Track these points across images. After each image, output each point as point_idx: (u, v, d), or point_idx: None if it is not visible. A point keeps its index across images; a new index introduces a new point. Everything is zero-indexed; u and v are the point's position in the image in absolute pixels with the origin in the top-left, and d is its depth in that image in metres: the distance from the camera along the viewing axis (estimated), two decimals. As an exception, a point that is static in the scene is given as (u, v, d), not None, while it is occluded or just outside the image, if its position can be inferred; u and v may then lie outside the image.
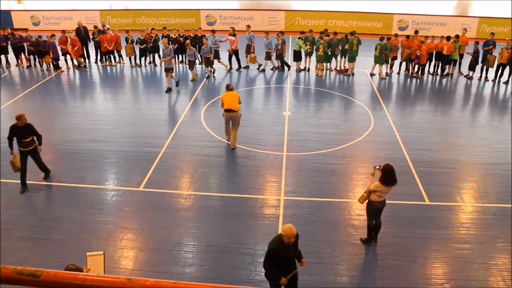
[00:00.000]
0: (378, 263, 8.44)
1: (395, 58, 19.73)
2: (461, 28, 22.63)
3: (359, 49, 19.35)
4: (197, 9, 28.04)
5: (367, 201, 8.53)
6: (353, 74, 19.59)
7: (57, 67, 20.03)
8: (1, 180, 11.25)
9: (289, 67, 20.39)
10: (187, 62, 19.45)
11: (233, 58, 20.28)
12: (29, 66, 20.59)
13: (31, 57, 20.67)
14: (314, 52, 19.48)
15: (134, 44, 20.50)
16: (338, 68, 20.22)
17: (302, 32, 20.07)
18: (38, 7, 28.95)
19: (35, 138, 10.81)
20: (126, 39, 20.42)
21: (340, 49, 19.59)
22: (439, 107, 16.39)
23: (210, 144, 13.06)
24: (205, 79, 18.94)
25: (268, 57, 19.92)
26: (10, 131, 10.53)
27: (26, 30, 21.21)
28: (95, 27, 21.50)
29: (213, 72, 19.60)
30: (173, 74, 17.75)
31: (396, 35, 19.96)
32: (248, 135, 13.57)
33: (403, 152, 12.63)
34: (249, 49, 20.07)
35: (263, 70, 20.31)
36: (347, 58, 19.67)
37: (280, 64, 20.37)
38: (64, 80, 19.54)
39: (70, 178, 11.41)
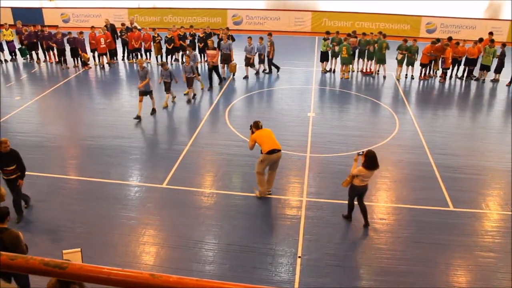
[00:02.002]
0: (400, 268, 8.34)
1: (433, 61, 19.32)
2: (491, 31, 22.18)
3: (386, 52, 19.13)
4: (223, 9, 28.15)
5: (350, 185, 9.16)
6: (384, 77, 19.37)
7: (84, 63, 20.35)
8: (29, 173, 11.45)
9: (278, 68, 19.95)
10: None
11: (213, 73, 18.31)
12: (58, 63, 20.94)
13: (52, 53, 21.12)
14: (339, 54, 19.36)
15: (162, 43, 20.66)
16: (364, 70, 20.03)
17: (327, 33, 19.94)
18: (68, 5, 29.44)
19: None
20: (154, 38, 20.60)
21: (371, 50, 19.37)
22: (465, 112, 16.13)
23: (234, 143, 13.10)
24: (231, 77, 18.89)
25: (261, 60, 19.55)
26: None
27: (56, 27, 21.60)
28: (123, 24, 21.76)
29: (193, 96, 16.99)
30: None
31: (436, 41, 19.35)
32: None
33: (427, 156, 12.46)
34: (248, 61, 19.12)
35: (258, 73, 19.76)
36: (373, 60, 19.47)
37: (269, 66, 19.89)
38: (91, 76, 19.84)
39: (95, 173, 11.58)
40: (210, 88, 17.77)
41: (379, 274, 8.22)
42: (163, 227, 9.55)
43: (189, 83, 16.46)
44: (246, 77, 19.18)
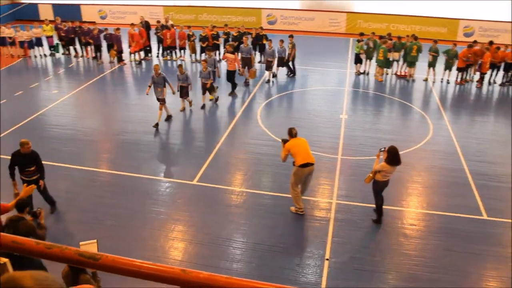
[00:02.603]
0: (429, 275, 8.18)
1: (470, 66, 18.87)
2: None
3: (419, 55, 18.76)
4: (258, 8, 28.17)
5: (372, 181, 9.28)
6: (413, 80, 19.06)
7: (120, 59, 20.69)
8: (63, 165, 11.73)
9: (294, 73, 19.38)
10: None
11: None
12: (94, 58, 21.35)
13: (89, 48, 21.52)
14: (374, 56, 19.13)
15: (197, 41, 20.82)
16: (399, 73, 19.72)
17: (361, 34, 19.71)
18: (105, 2, 29.97)
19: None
20: (189, 37, 20.78)
21: (402, 53, 19.11)
22: (503, 118, 15.70)
23: (265, 143, 13.10)
24: (270, 78, 18.75)
25: (281, 63, 18.88)
26: (12, 159, 9.10)
27: (93, 23, 22.04)
28: (158, 21, 22.02)
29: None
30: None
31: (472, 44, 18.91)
32: (303, 136, 13.46)
33: (461, 163, 12.19)
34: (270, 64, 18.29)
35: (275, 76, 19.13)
36: (407, 63, 19.15)
37: (289, 68, 19.31)
38: (126, 72, 20.15)
39: (127, 167, 11.76)
40: (233, 92, 17.03)
41: (407, 281, 8.08)
42: (192, 223, 9.63)
43: (207, 89, 15.81)
44: (268, 82, 18.57)
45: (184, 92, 15.13)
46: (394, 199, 10.43)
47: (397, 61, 19.38)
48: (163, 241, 9.03)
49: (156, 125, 14.00)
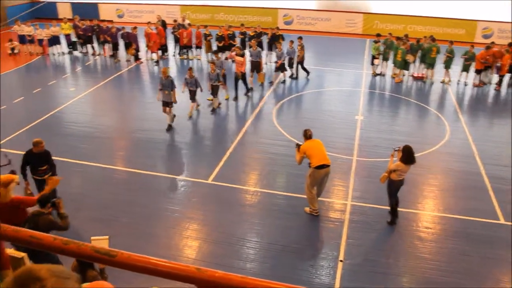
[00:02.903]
0: (444, 279, 8.09)
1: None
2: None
3: (437, 57, 18.57)
4: (274, 8, 28.15)
5: (387, 180, 9.28)
6: (432, 82, 18.87)
7: (137, 58, 20.84)
8: (80, 162, 11.84)
9: (308, 73, 19.06)
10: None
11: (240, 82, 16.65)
12: (111, 56, 21.53)
13: (106, 46, 21.71)
14: (392, 57, 18.99)
15: (213, 40, 20.87)
16: (415, 75, 19.53)
17: (378, 35, 19.57)
18: (123, 1, 30.19)
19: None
20: (205, 36, 20.83)
21: (419, 55, 18.93)
22: (522, 122, 15.47)
23: (280, 143, 13.08)
24: (288, 79, 18.70)
25: (290, 64, 18.62)
26: (25, 159, 9.00)
27: (111, 22, 22.23)
28: (175, 21, 22.11)
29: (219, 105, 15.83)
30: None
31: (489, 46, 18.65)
32: (318, 137, 13.40)
33: (478, 166, 12.04)
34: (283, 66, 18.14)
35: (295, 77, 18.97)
36: (425, 64, 18.97)
37: (296, 71, 18.94)
38: (143, 71, 20.28)
39: (143, 165, 11.83)
40: (236, 98, 16.47)
41: (422, 284, 8.01)
42: (207, 222, 9.66)
43: (214, 91, 15.33)
44: (284, 82, 18.41)
45: (192, 96, 14.76)
46: (410, 202, 10.34)
47: (413, 63, 19.18)
48: (177, 239, 9.07)
49: (169, 127, 13.86)
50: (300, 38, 18.78)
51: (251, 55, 17.51)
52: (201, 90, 14.88)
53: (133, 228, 9.32)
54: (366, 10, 28.15)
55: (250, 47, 18.13)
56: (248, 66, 17.22)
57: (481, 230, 9.45)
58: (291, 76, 18.92)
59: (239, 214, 9.88)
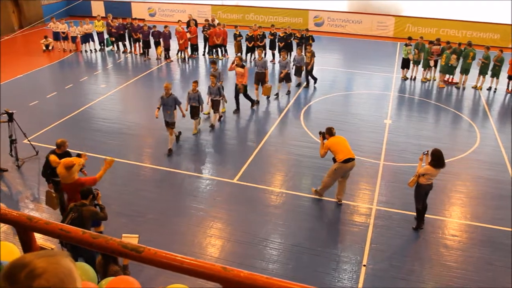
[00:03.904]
0: (471, 288, 7.95)
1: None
2: None
3: (472, 62, 18.19)
4: (305, 9, 28.05)
5: (416, 185, 9.17)
6: (464, 87, 18.50)
7: (167, 56, 21.07)
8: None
9: (315, 80, 18.20)
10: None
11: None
12: (142, 54, 21.83)
13: (138, 44, 22.03)
14: (422, 60, 18.71)
15: (243, 40, 20.93)
16: (447, 80, 19.17)
17: (409, 38, 19.31)
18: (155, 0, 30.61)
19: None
20: (235, 36, 20.91)
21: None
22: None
23: (306, 145, 13.04)
24: (289, 90, 18.62)
25: (299, 73, 17.75)
26: (46, 161, 8.89)
27: (143, 20, 22.52)
28: (206, 20, 22.27)
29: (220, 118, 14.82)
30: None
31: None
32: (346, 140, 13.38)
33: (509, 174, 11.77)
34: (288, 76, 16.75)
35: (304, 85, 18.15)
36: (461, 70, 18.54)
37: (306, 79, 18.13)
38: (172, 69, 20.48)
39: (169, 163, 11.97)
40: (237, 111, 15.43)
41: (448, 293, 7.88)
42: (231, 221, 9.70)
43: (215, 106, 14.10)
44: (288, 93, 17.14)
45: (194, 113, 13.39)
46: (436, 208, 10.17)
47: (455, 67, 18.65)
48: (201, 237, 9.13)
49: (170, 151, 12.52)
50: (310, 45, 18.31)
51: (256, 66, 16.22)
52: (202, 110, 13.53)
53: (158, 225, 9.43)
54: (397, 12, 27.79)
55: (288, 44, 17.61)
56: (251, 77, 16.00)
57: (509, 240, 9.23)
58: (298, 85, 18.08)
59: (263, 214, 9.88)
